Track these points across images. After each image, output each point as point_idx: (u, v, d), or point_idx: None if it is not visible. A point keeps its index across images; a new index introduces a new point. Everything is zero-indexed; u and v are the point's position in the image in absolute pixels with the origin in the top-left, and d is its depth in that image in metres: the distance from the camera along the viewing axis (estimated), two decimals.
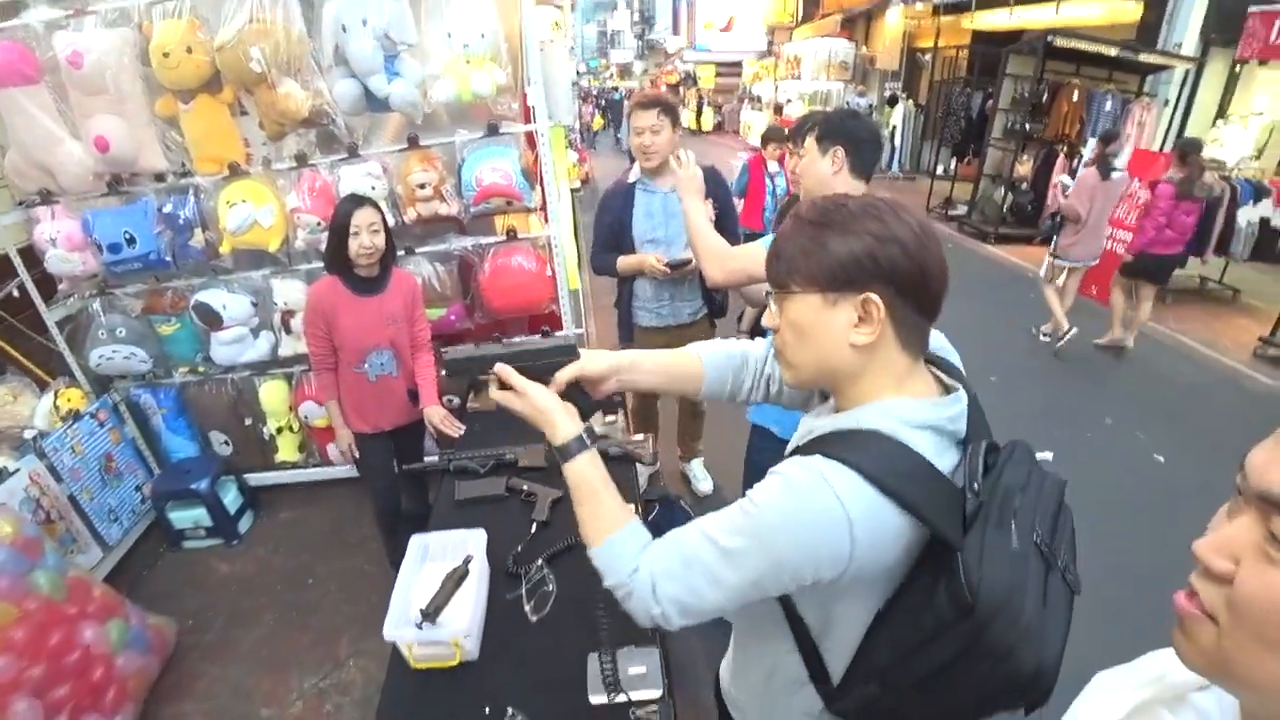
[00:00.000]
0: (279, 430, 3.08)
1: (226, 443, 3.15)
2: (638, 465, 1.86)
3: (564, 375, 0.92)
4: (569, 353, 0.92)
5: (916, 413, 0.74)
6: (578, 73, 16.59)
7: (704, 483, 3.16)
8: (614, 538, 0.81)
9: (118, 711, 2.00)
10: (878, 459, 0.70)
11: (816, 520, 0.68)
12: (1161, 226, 4.32)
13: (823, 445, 0.74)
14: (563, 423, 0.87)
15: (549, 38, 3.06)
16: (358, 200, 2.06)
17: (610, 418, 2.08)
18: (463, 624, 1.24)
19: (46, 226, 2.52)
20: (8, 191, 2.61)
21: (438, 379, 2.33)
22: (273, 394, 3.00)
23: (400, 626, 1.24)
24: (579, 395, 0.93)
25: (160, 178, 2.55)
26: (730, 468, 2.38)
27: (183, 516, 2.87)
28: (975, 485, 0.71)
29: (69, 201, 2.56)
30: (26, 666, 1.77)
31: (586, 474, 0.85)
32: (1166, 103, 7.17)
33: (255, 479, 3.16)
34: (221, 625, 2.51)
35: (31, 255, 2.61)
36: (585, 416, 0.92)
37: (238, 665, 2.33)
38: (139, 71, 2.31)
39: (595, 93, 20.50)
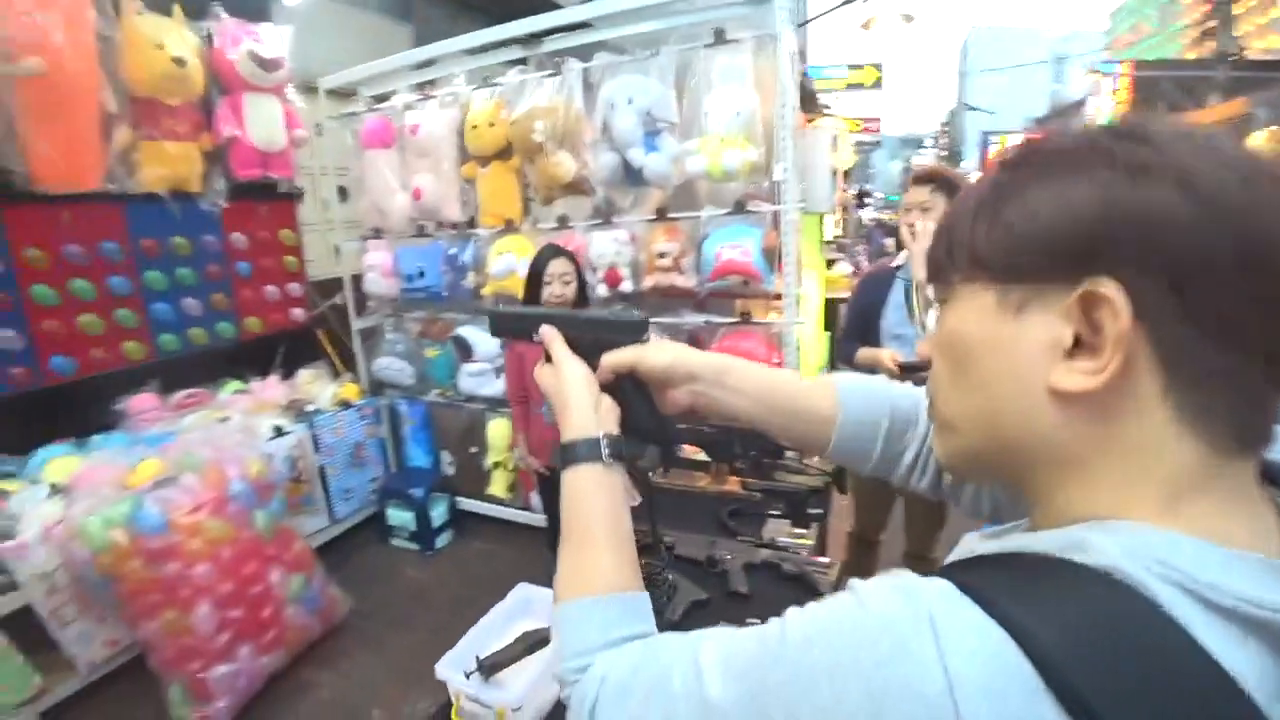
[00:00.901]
0: (495, 465, 3.30)
1: (451, 463, 3.50)
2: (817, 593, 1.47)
3: (614, 359, 0.64)
4: (636, 332, 0.66)
5: (1224, 574, 0.31)
6: (867, 202, 16.55)
7: None
8: (587, 602, 0.53)
9: (270, 652, 2.21)
10: (1082, 622, 0.31)
11: (884, 685, 0.31)
12: None
13: (977, 572, 0.37)
14: (580, 413, 0.61)
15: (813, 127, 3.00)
16: (555, 250, 2.16)
17: (801, 531, 1.72)
18: (515, 693, 1.06)
19: (372, 256, 3.19)
20: (358, 228, 3.37)
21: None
22: (498, 430, 3.25)
23: (455, 667, 1.11)
24: (636, 396, 0.66)
25: (453, 226, 3.05)
26: None
27: (397, 515, 3.22)
28: None
29: (389, 238, 3.20)
30: (220, 580, 2.07)
31: (585, 492, 0.57)
32: None
33: (465, 503, 3.42)
34: (386, 621, 2.68)
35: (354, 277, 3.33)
36: (644, 435, 0.65)
37: (381, 660, 2.43)
38: (454, 141, 2.84)
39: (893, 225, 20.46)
